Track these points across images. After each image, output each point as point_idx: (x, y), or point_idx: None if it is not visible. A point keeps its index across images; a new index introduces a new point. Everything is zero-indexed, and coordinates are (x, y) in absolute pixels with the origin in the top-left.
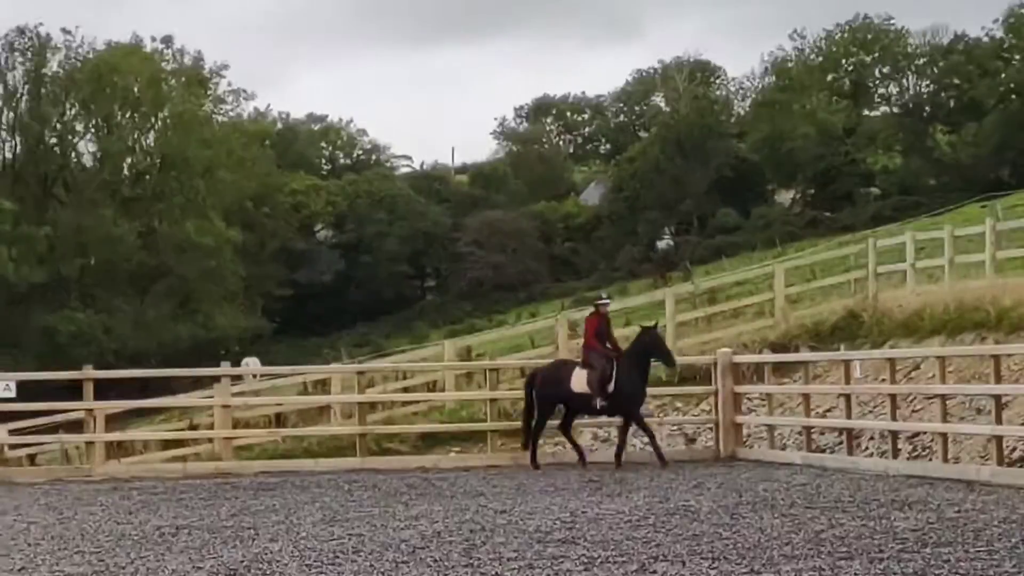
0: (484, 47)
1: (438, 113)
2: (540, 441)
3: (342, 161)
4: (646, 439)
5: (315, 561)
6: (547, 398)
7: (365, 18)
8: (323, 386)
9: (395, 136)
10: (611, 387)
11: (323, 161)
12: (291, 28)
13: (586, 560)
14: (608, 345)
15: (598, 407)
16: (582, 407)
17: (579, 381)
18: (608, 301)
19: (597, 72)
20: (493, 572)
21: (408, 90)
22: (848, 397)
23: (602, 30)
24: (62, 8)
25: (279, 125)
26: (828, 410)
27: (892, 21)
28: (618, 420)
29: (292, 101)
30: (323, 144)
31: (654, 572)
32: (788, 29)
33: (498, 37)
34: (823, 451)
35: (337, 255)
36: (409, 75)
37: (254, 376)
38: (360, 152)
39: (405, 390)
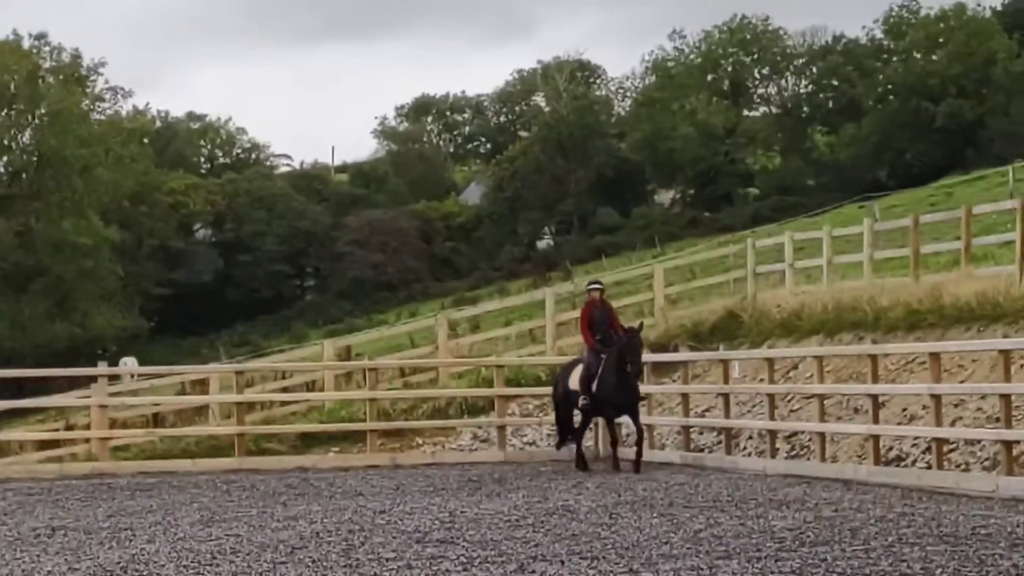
0: (371, 47)
1: (320, 112)
2: (571, 439)
3: (221, 160)
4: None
5: (193, 562)
6: (556, 397)
7: (253, 18)
8: (201, 386)
9: (277, 135)
10: (594, 386)
11: (202, 160)
12: (178, 27)
13: (465, 560)
14: (612, 333)
15: (580, 405)
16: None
17: (575, 378)
18: (598, 286)
19: (482, 72)
20: (372, 572)
21: (292, 89)
22: (727, 397)
23: (491, 31)
24: None
25: (158, 123)
26: (707, 410)
27: (770, 21)
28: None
29: (177, 100)
30: (202, 143)
31: (533, 572)
32: (668, 30)
33: (385, 37)
34: (702, 451)
35: (216, 254)
36: (293, 74)
37: (131, 376)
38: (239, 151)
39: (284, 390)
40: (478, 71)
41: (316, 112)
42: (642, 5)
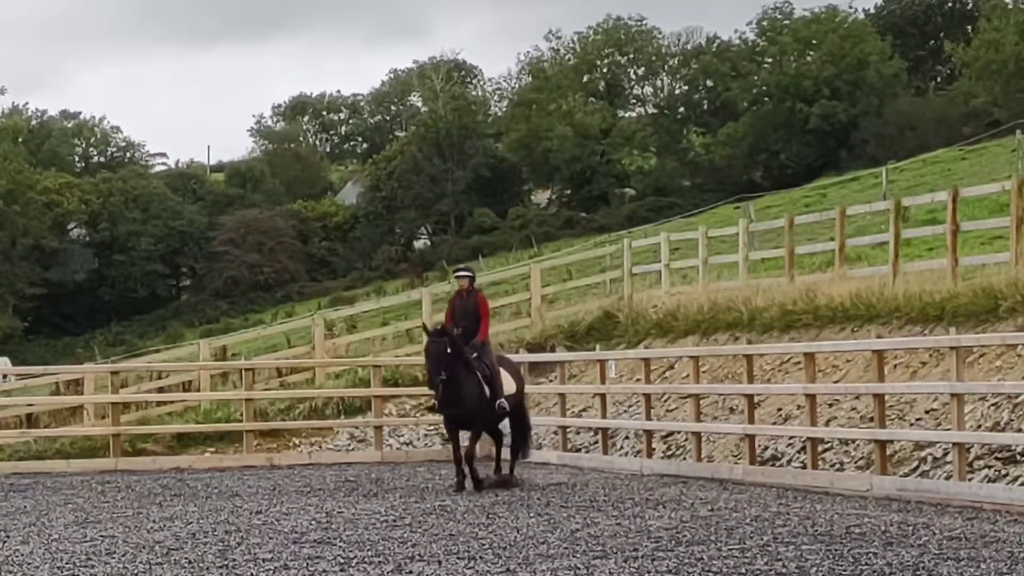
0: (257, 48)
1: (198, 112)
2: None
3: (96, 159)
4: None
5: (68, 563)
6: None
7: (148, 19)
8: (76, 386)
9: (155, 135)
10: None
11: (76, 159)
12: (67, 28)
13: (342, 560)
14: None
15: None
16: None
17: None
18: (467, 273)
19: (363, 72)
20: (248, 573)
21: (171, 89)
22: (603, 397)
23: (377, 32)
24: None
25: (33, 122)
26: (584, 410)
27: (644, 22)
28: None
29: (62, 100)
30: (76, 142)
31: (410, 572)
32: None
33: (273, 38)
34: (579, 451)
35: (90, 254)
36: (175, 74)
37: (4, 376)
38: (114, 150)
39: (160, 390)
40: (359, 71)
41: (194, 111)
42: (522, 8)
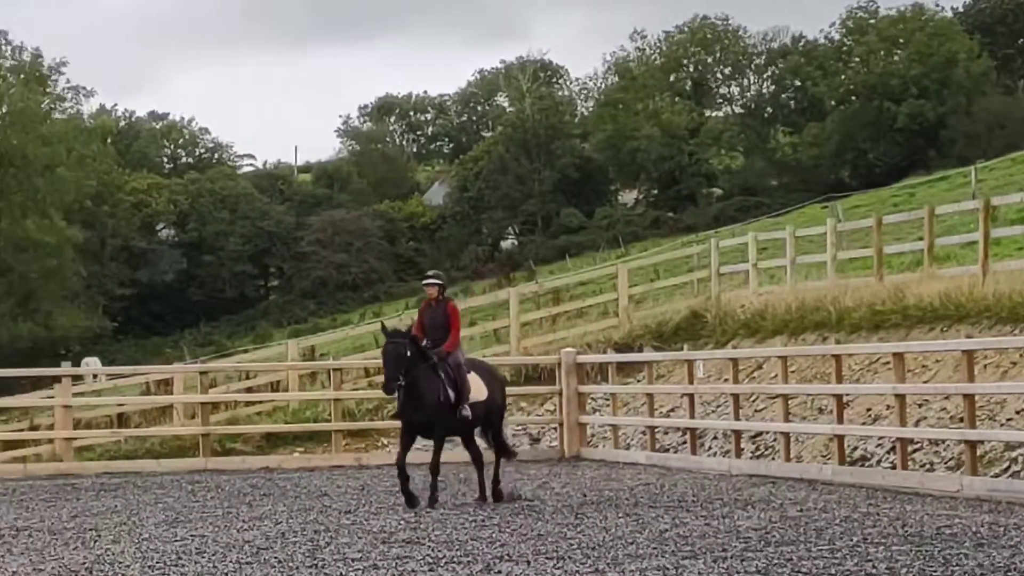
0: (348, 49)
1: (286, 113)
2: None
3: (184, 160)
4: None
5: (158, 562)
6: None
7: (239, 20)
8: (166, 386)
9: (242, 136)
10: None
11: (165, 160)
12: (160, 30)
13: (431, 560)
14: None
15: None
16: None
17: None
18: (435, 281)
19: (453, 72)
20: (337, 573)
21: (260, 90)
22: (691, 397)
23: (475, 32)
24: None
25: (121, 123)
26: (672, 410)
27: (730, 21)
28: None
29: (152, 100)
30: (165, 143)
31: (499, 572)
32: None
33: (365, 40)
34: (667, 451)
35: (179, 254)
36: (264, 76)
37: (95, 376)
38: (203, 151)
39: (248, 390)
40: (448, 72)
41: (282, 113)
42: (616, 9)
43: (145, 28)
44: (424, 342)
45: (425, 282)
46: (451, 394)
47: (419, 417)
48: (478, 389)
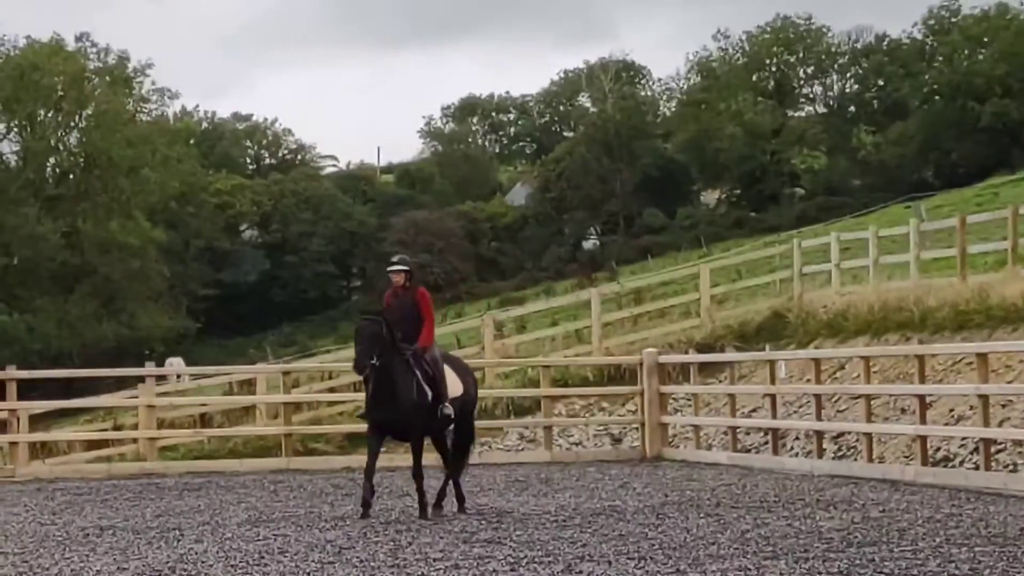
0: (438, 51)
1: (369, 114)
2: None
3: (267, 161)
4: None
5: (240, 562)
6: None
7: (334, 22)
8: (248, 386)
9: (325, 137)
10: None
11: (248, 161)
12: (245, 32)
13: (512, 560)
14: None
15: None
16: None
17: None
18: (400, 267)
19: (537, 73)
20: (419, 572)
21: (345, 92)
22: (773, 397)
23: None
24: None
25: (205, 124)
26: (753, 410)
27: (813, 20)
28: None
29: (244, 103)
30: (248, 144)
31: (580, 572)
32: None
33: (455, 41)
34: (749, 451)
35: (262, 255)
36: (351, 78)
37: (178, 376)
38: (286, 152)
39: (331, 390)
40: (532, 73)
41: (365, 114)
42: (706, 8)
43: (232, 31)
44: (396, 334)
45: (390, 268)
46: (428, 392)
47: (391, 416)
48: (454, 385)
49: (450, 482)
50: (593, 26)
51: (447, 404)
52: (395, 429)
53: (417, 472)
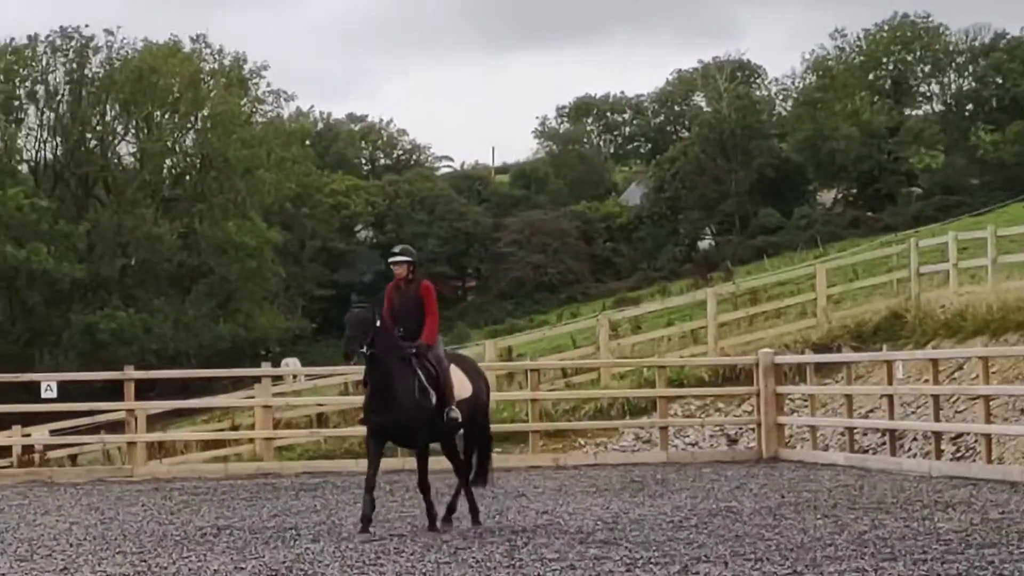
0: (554, 51)
1: (484, 115)
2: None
3: (382, 161)
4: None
5: (357, 562)
6: None
7: (455, 23)
8: (364, 386)
9: (440, 137)
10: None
11: (363, 161)
12: (362, 35)
13: (628, 561)
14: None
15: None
16: None
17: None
18: (403, 258)
19: (653, 72)
20: (535, 573)
21: (460, 92)
22: (891, 398)
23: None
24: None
25: (319, 125)
26: (871, 411)
27: (931, 19)
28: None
29: (363, 104)
30: (363, 144)
31: (696, 573)
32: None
33: (573, 42)
34: (866, 452)
35: (377, 255)
36: (466, 78)
37: (294, 377)
38: (400, 152)
39: None
40: (647, 72)
41: (480, 115)
42: (818, 7)
43: (350, 33)
44: (397, 332)
45: (392, 260)
46: (432, 394)
47: (392, 421)
48: (461, 385)
49: (461, 492)
50: (712, 26)
51: (454, 407)
52: (396, 434)
53: (423, 483)
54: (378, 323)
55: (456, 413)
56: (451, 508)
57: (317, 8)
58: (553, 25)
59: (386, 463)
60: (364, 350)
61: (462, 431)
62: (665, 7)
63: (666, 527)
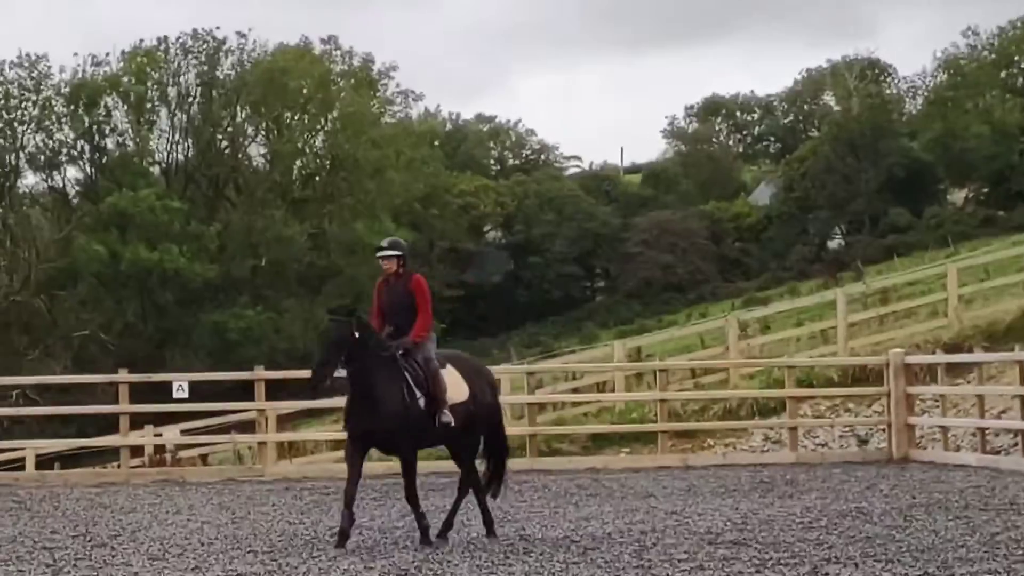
0: (688, 51)
1: (613, 115)
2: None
3: (511, 162)
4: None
5: (486, 561)
6: None
7: (593, 24)
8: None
9: (568, 137)
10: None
11: (492, 162)
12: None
13: (758, 562)
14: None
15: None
16: None
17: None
18: (391, 252)
19: (782, 71)
20: (664, 573)
21: (591, 93)
22: (1023, 398)
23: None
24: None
25: (448, 126)
26: (1003, 411)
27: None
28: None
29: (497, 105)
30: (492, 145)
31: (826, 574)
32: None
33: (707, 41)
34: (998, 453)
35: (506, 256)
36: (598, 78)
37: None
38: (529, 152)
39: (575, 391)
40: (778, 71)
41: (609, 114)
42: (949, 5)
43: (482, 33)
44: (386, 330)
45: (379, 253)
46: (420, 396)
47: (374, 426)
48: (456, 388)
49: (458, 509)
50: (845, 25)
51: (446, 412)
52: (379, 441)
53: (411, 494)
54: (356, 335)
55: (448, 418)
56: (447, 524)
57: (451, 8)
58: (685, 25)
59: (519, 463)
60: (337, 372)
61: (482, 440)
62: (798, 5)
63: (796, 528)
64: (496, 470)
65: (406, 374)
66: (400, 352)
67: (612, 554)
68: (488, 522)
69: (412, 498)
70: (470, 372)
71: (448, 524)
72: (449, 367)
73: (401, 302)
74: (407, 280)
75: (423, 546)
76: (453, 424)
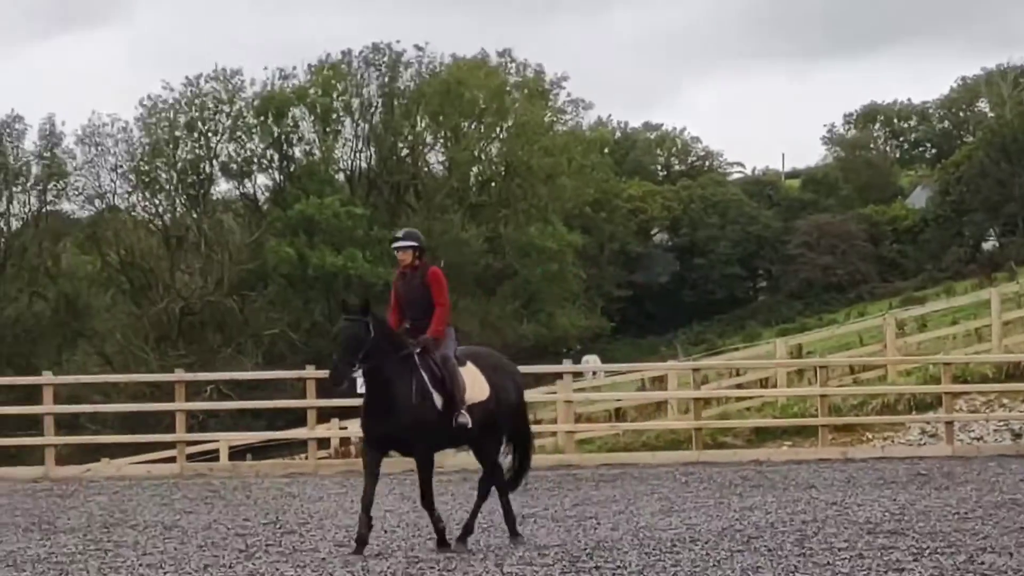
0: (850, 62)
1: (775, 121)
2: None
3: (677, 168)
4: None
5: (654, 549)
6: None
7: (764, 35)
8: (660, 382)
9: (731, 143)
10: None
11: (659, 168)
12: (666, 46)
13: (915, 551)
14: (417, 321)
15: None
16: None
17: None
18: (407, 243)
19: (937, 79)
20: (825, 561)
21: (757, 102)
22: None
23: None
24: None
25: (617, 134)
26: None
27: None
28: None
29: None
30: (658, 151)
31: (982, 563)
32: None
33: (869, 52)
34: None
35: (672, 257)
36: (764, 87)
37: (594, 373)
38: (694, 159)
39: (738, 386)
40: (933, 79)
41: (771, 121)
42: None
43: (649, 45)
44: (403, 325)
45: (395, 245)
46: (437, 397)
47: (389, 428)
48: (476, 386)
49: (478, 513)
50: (1002, 33)
51: (463, 412)
52: (396, 443)
53: (427, 499)
54: (372, 334)
55: (465, 418)
56: (468, 529)
57: (623, 18)
58: (856, 34)
59: (686, 455)
60: (355, 371)
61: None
62: (954, 16)
63: (952, 518)
64: (521, 465)
65: (424, 373)
66: (418, 351)
67: (775, 543)
68: (510, 521)
69: (428, 503)
70: (492, 370)
71: (468, 528)
72: (469, 365)
73: (417, 296)
74: (424, 273)
75: (440, 549)
76: (470, 426)
